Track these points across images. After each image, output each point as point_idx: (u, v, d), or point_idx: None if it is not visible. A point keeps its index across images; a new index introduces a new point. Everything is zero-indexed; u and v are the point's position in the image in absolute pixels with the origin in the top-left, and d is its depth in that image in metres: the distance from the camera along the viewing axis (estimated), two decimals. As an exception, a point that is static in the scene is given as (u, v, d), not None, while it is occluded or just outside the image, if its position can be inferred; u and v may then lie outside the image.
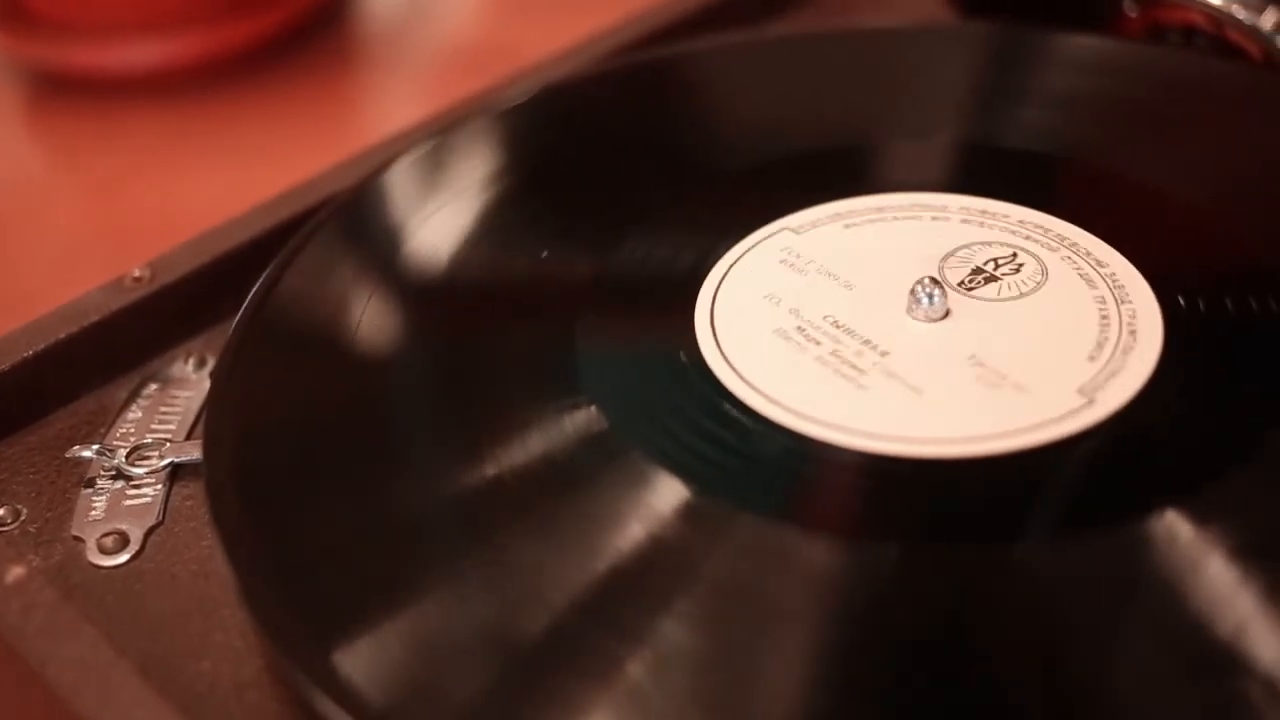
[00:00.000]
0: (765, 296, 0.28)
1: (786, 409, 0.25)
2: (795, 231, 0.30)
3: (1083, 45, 0.34)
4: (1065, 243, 0.28)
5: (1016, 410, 0.25)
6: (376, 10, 0.51)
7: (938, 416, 0.25)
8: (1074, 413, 0.25)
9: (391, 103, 0.48)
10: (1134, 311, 0.27)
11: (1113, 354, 0.26)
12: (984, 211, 0.30)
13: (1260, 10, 0.33)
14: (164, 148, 0.45)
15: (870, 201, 0.30)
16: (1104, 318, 0.27)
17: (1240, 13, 0.33)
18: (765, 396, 0.26)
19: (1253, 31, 0.33)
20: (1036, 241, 0.29)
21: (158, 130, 0.46)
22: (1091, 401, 0.25)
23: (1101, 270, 0.28)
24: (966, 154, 0.32)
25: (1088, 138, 0.32)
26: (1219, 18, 0.34)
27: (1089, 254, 0.28)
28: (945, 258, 0.28)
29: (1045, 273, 0.28)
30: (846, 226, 0.30)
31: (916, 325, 0.27)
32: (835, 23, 0.40)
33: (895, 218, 0.30)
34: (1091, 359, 0.26)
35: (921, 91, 0.34)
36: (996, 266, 0.28)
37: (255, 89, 0.47)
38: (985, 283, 0.28)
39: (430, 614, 0.23)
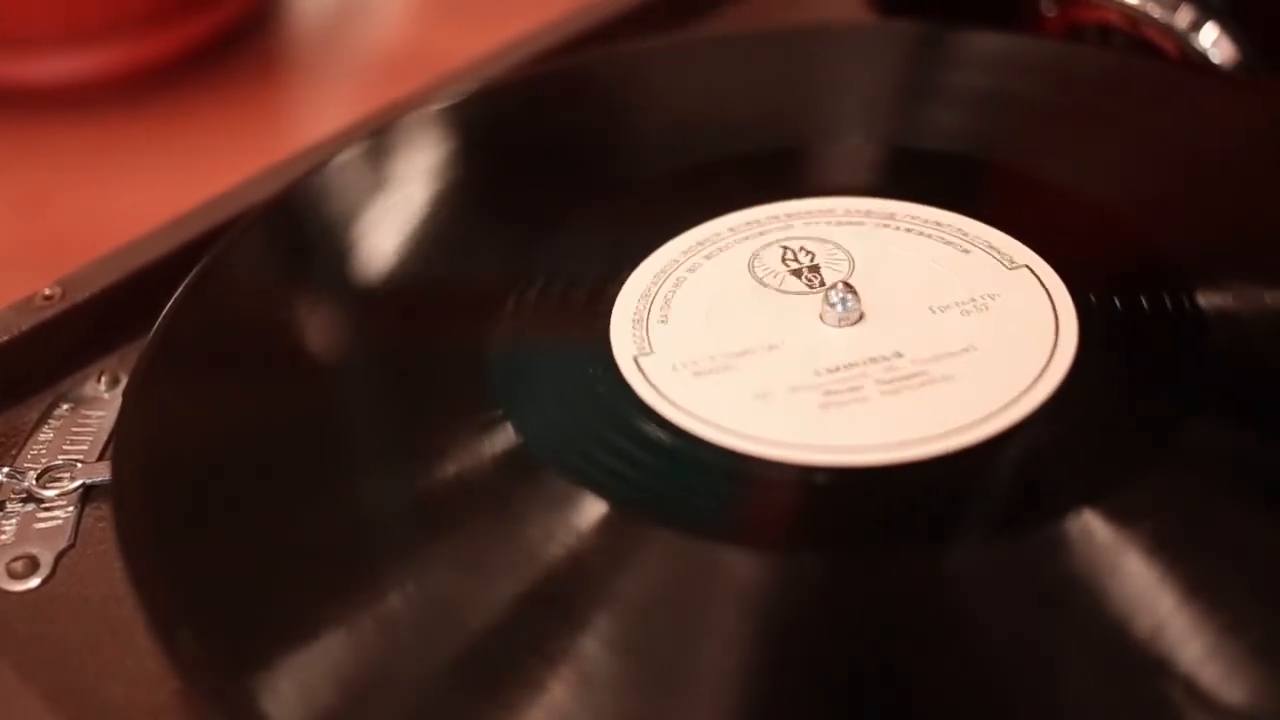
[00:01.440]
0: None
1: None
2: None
3: (999, 44, 0.34)
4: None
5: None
6: (303, 17, 0.51)
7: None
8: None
9: (321, 110, 0.47)
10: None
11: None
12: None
13: (1174, 8, 0.33)
14: (89, 162, 0.44)
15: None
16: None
17: (1155, 11, 0.33)
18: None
19: (1168, 29, 0.34)
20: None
21: (83, 144, 0.45)
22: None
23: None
24: (879, 155, 0.32)
25: (1001, 137, 0.32)
26: (1134, 16, 0.34)
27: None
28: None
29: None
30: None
31: (833, 331, 0.27)
32: (757, 24, 0.40)
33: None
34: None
35: (840, 93, 0.34)
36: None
37: (182, 99, 0.46)
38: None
39: (345, 639, 0.23)
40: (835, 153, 0.32)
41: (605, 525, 0.24)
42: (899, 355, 0.26)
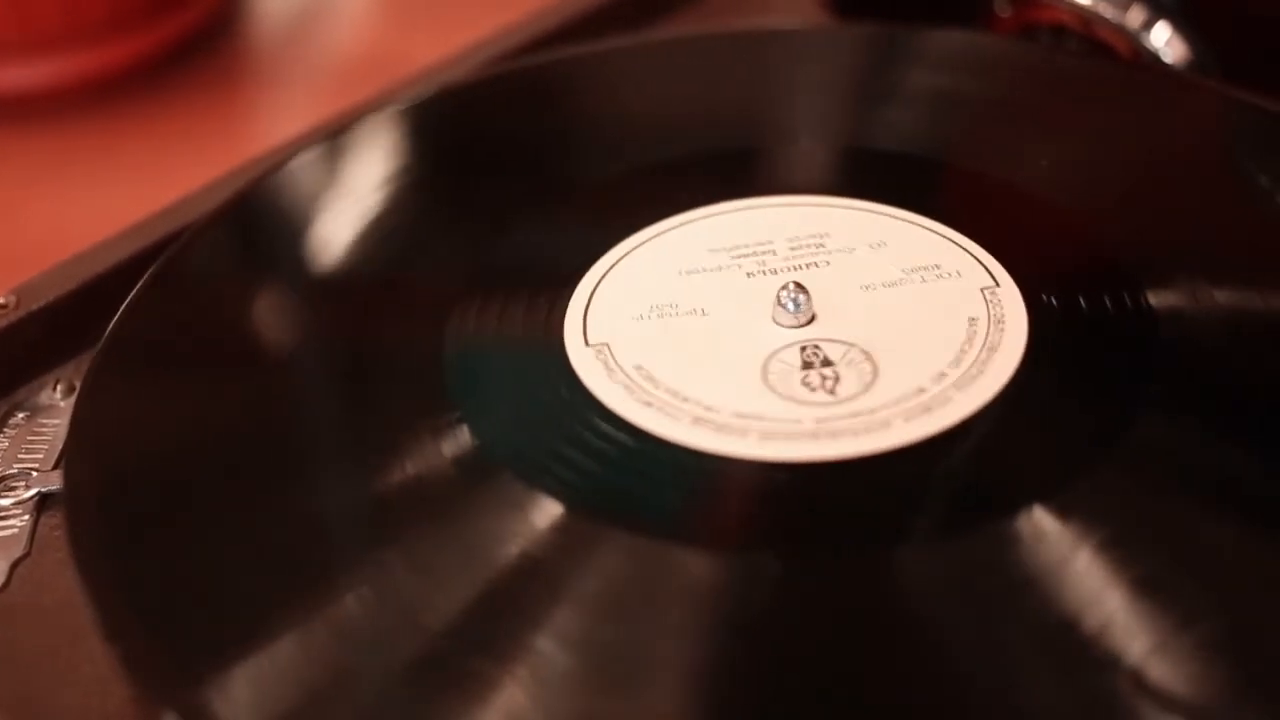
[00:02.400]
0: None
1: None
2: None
3: (954, 44, 0.34)
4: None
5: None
6: (263, 24, 0.51)
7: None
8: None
9: (283, 116, 0.47)
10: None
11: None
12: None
13: (1126, 8, 0.34)
14: (49, 170, 0.44)
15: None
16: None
17: (1107, 11, 0.34)
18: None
19: (1120, 29, 0.34)
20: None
21: (43, 152, 0.45)
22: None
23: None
24: (834, 156, 0.32)
25: (955, 137, 0.32)
26: (1087, 16, 0.34)
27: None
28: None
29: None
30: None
31: (787, 332, 0.27)
32: (713, 26, 0.41)
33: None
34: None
35: (795, 94, 0.34)
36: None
37: (142, 108, 0.46)
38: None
39: (300, 644, 0.23)
40: (791, 153, 0.33)
41: (560, 526, 0.24)
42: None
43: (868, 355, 0.26)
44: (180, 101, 0.46)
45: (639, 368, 0.26)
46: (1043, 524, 0.23)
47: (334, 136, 0.33)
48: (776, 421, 0.25)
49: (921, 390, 0.25)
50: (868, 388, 0.25)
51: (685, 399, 0.25)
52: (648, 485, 0.25)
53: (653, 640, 0.22)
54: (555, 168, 0.33)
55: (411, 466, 0.25)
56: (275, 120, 0.47)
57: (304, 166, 0.32)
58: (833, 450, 0.24)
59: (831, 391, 0.25)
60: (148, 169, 0.43)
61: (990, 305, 0.27)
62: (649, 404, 0.25)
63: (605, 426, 0.25)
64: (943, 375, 0.25)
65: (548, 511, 0.24)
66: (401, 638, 0.22)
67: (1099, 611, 0.22)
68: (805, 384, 0.26)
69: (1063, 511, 0.23)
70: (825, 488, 0.24)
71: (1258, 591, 0.22)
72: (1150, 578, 0.22)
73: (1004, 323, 0.27)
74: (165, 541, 0.25)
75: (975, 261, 0.28)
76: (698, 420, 0.25)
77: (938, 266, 0.28)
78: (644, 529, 0.23)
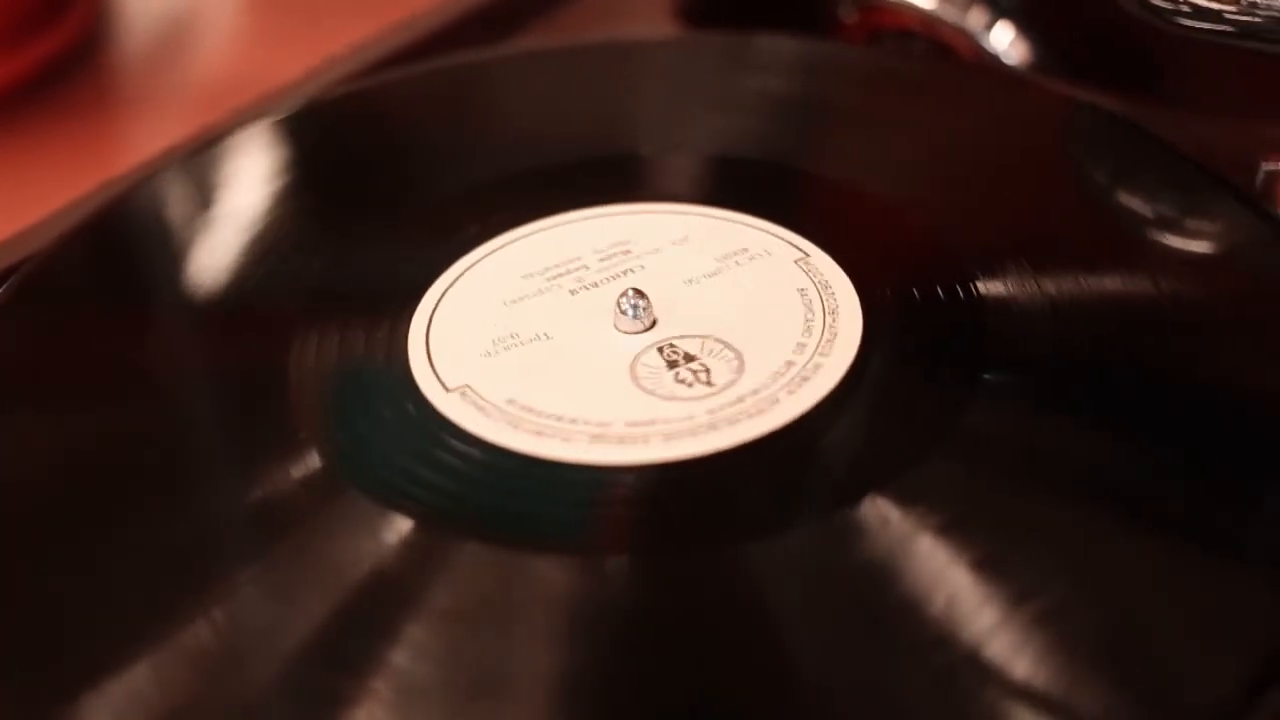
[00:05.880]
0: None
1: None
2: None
3: (799, 51, 0.35)
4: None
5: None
6: (129, 46, 0.50)
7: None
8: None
9: (149, 136, 0.46)
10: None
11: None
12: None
13: (966, 10, 0.35)
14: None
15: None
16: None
17: (948, 14, 0.35)
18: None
19: (961, 32, 0.35)
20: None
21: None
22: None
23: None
24: (680, 164, 0.33)
25: (802, 142, 0.33)
26: (929, 20, 0.35)
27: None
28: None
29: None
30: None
31: (629, 338, 0.28)
32: (566, 38, 0.41)
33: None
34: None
35: (643, 104, 0.35)
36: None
37: (5, 133, 0.44)
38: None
39: (153, 674, 0.22)
40: (638, 163, 0.33)
41: (413, 540, 0.24)
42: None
43: (725, 343, 0.27)
44: (45, 125, 0.45)
45: (511, 401, 0.26)
46: (884, 511, 0.24)
47: (192, 155, 0.33)
48: (670, 422, 0.25)
49: (790, 364, 0.26)
50: (739, 372, 0.26)
51: (573, 420, 0.26)
52: (498, 495, 0.25)
53: (512, 649, 0.22)
54: (404, 184, 0.33)
55: (265, 489, 0.25)
56: (142, 141, 0.46)
57: (157, 187, 0.32)
58: (680, 450, 0.25)
59: (708, 383, 0.26)
60: (11, 193, 0.42)
61: (811, 274, 0.29)
62: (540, 433, 0.26)
63: (510, 464, 0.25)
64: (802, 345, 0.27)
65: (400, 526, 0.24)
66: (257, 661, 0.22)
67: (943, 592, 0.22)
68: (680, 381, 0.26)
69: (903, 498, 0.24)
70: (674, 486, 0.25)
71: (1090, 565, 0.23)
72: (990, 557, 0.23)
73: (831, 288, 0.28)
74: (12, 573, 0.24)
75: (779, 240, 0.30)
76: (596, 438, 0.25)
77: (745, 250, 0.30)
78: (498, 538, 0.24)
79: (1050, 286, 0.28)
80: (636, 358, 0.27)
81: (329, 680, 0.22)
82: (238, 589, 0.23)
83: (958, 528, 0.23)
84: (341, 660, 0.22)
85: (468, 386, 0.27)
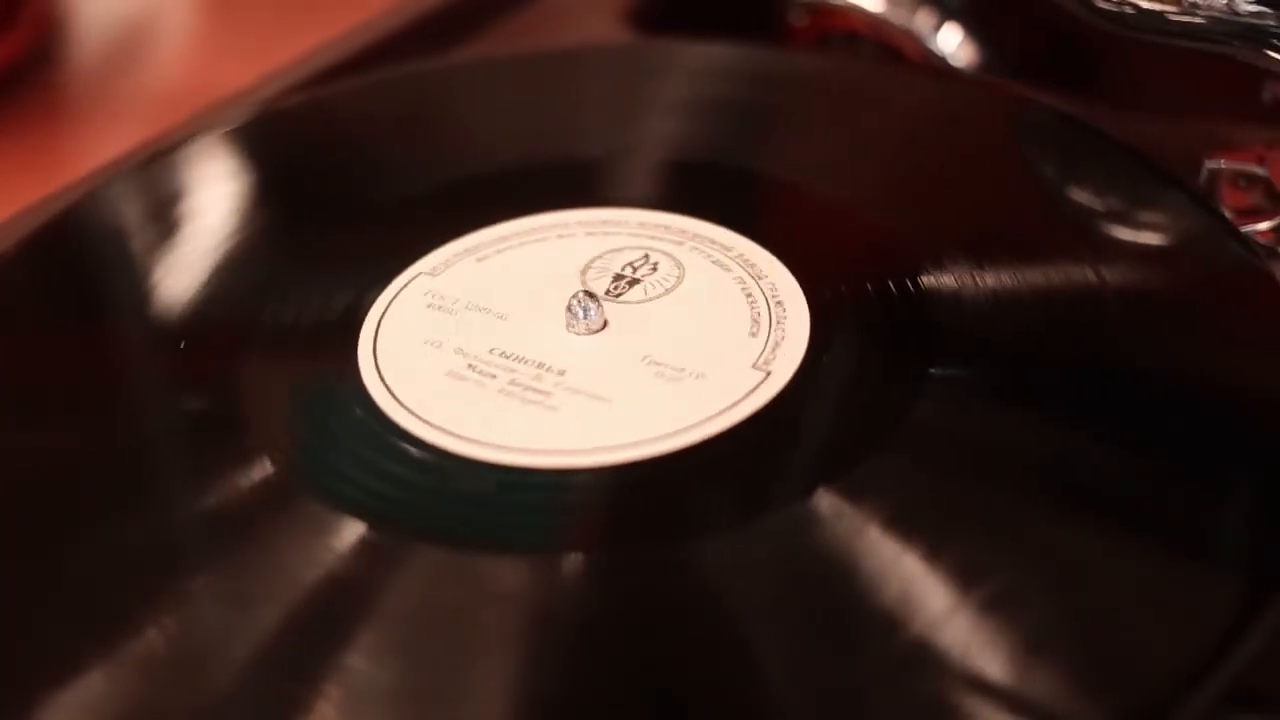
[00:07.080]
0: (425, 342, 0.28)
1: (456, 435, 0.26)
2: (431, 274, 0.30)
3: (749, 56, 0.35)
4: (690, 236, 0.30)
5: (706, 397, 0.26)
6: (81, 57, 0.49)
7: (633, 421, 0.26)
8: (758, 387, 0.26)
9: (104, 148, 0.44)
10: (774, 287, 0.28)
11: (770, 328, 0.27)
12: (604, 221, 0.31)
13: (913, 12, 0.35)
14: None
15: (495, 231, 0.31)
16: (749, 296, 0.28)
17: (896, 16, 0.35)
18: (435, 426, 0.26)
19: (909, 34, 0.35)
20: (663, 240, 0.30)
21: None
22: (769, 374, 0.26)
23: (730, 254, 0.29)
24: (631, 169, 0.33)
25: (751, 146, 0.33)
26: (876, 22, 0.36)
27: (714, 243, 0.30)
28: (584, 271, 0.29)
29: (681, 266, 0.29)
30: (479, 260, 0.30)
31: (581, 340, 0.28)
32: (518, 46, 0.41)
33: (523, 243, 0.30)
34: (753, 335, 0.27)
35: (595, 111, 0.35)
36: (634, 270, 0.29)
37: None
38: (629, 286, 0.29)
39: (105, 683, 0.22)
40: (588, 169, 0.33)
41: (364, 546, 0.24)
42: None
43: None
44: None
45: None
46: (834, 506, 0.24)
47: (141, 167, 0.33)
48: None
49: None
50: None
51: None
52: (449, 499, 0.25)
53: (464, 652, 0.22)
54: (356, 191, 0.33)
55: (215, 499, 0.25)
56: (93, 151, 0.45)
57: (102, 200, 0.32)
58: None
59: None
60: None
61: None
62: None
63: (462, 468, 0.25)
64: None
65: (351, 532, 0.24)
66: (212, 668, 0.22)
67: (893, 584, 0.23)
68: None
69: (851, 492, 0.24)
70: (626, 487, 0.25)
71: (1040, 554, 0.23)
72: (939, 548, 0.23)
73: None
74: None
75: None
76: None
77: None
78: (450, 541, 0.24)
79: (997, 281, 0.28)
80: (634, 365, 0.27)
81: (285, 686, 0.22)
82: (191, 597, 0.23)
83: (908, 520, 0.24)
84: (296, 666, 0.22)
85: (419, 391, 0.27)
